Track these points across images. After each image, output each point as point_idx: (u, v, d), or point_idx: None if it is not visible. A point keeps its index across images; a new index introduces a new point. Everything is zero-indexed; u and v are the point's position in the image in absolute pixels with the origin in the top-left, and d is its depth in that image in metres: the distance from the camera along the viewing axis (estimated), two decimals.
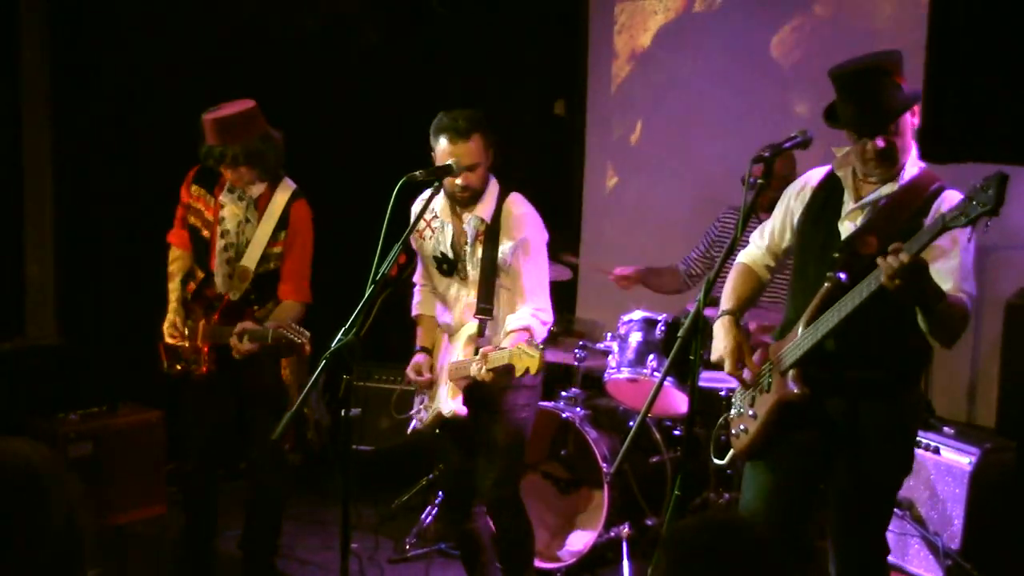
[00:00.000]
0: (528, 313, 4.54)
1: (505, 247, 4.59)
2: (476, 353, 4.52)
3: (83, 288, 6.67)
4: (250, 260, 4.99)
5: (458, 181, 4.51)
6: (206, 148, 4.89)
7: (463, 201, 4.62)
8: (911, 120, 3.72)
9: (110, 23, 6.55)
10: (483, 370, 4.33)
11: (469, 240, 4.63)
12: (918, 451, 4.98)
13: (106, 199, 6.60)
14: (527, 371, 4.23)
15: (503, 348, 4.33)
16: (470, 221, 4.61)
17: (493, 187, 4.68)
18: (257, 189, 5.02)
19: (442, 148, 4.52)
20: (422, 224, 4.74)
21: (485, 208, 4.62)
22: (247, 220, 5.01)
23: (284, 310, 5.00)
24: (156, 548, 5.86)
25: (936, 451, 5.05)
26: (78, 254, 6.67)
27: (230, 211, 5.02)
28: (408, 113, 7.50)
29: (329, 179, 7.43)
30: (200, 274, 5.12)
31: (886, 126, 3.65)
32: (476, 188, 4.58)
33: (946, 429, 5.14)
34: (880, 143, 3.64)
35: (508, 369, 4.28)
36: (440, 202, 4.68)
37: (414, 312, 5.00)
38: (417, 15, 7.63)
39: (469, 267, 4.65)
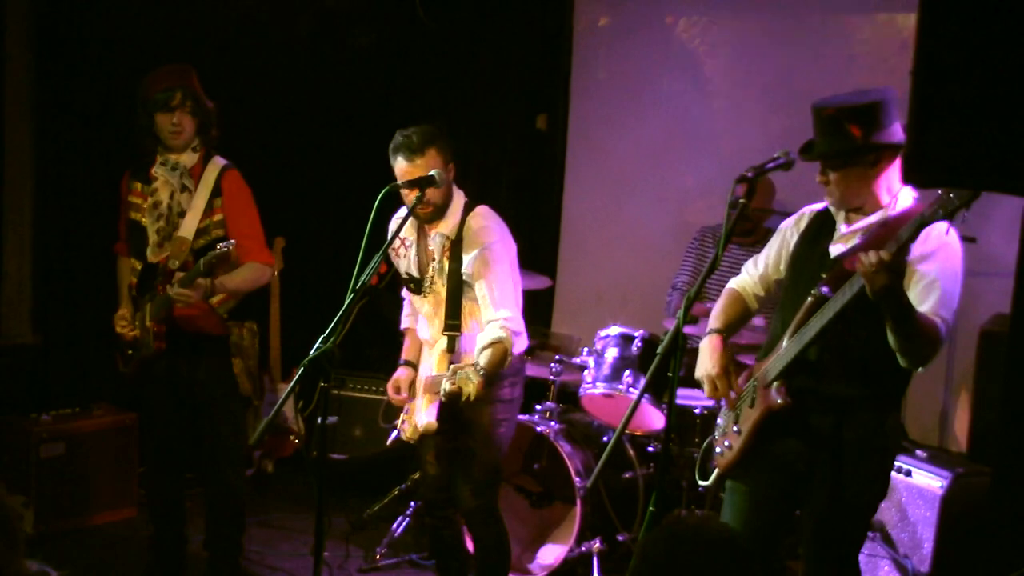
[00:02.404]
0: (497, 327, 4.46)
1: (466, 260, 4.55)
2: (449, 368, 4.54)
3: (60, 288, 6.65)
4: (186, 231, 4.93)
5: (412, 197, 4.43)
6: (151, 99, 4.89)
7: (425, 217, 4.56)
8: (864, 171, 3.72)
9: (95, 24, 6.53)
10: (448, 386, 4.27)
11: (436, 257, 4.60)
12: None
13: (85, 200, 6.58)
14: (468, 397, 4.19)
15: (464, 367, 4.28)
16: (435, 238, 4.58)
17: (458, 201, 4.63)
18: (189, 159, 4.99)
19: (399, 168, 4.47)
20: (397, 243, 4.72)
21: (449, 224, 4.58)
22: (183, 188, 4.96)
23: (243, 270, 4.97)
24: (126, 550, 5.84)
25: (908, 474, 5.08)
26: (56, 254, 6.65)
27: (163, 182, 4.98)
28: (392, 123, 7.52)
29: (311, 185, 7.46)
30: (138, 265, 5.05)
31: (824, 167, 3.74)
32: (437, 203, 4.52)
33: (919, 452, 5.17)
34: (819, 175, 3.76)
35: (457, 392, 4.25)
36: (409, 220, 4.60)
37: (402, 325, 5.00)
38: (404, 26, 7.64)
39: (438, 284, 4.63)
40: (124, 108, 5.14)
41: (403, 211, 4.61)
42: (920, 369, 3.68)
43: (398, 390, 4.76)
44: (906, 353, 3.59)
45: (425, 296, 4.69)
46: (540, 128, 7.95)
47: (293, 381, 3.98)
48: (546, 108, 7.93)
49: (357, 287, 3.97)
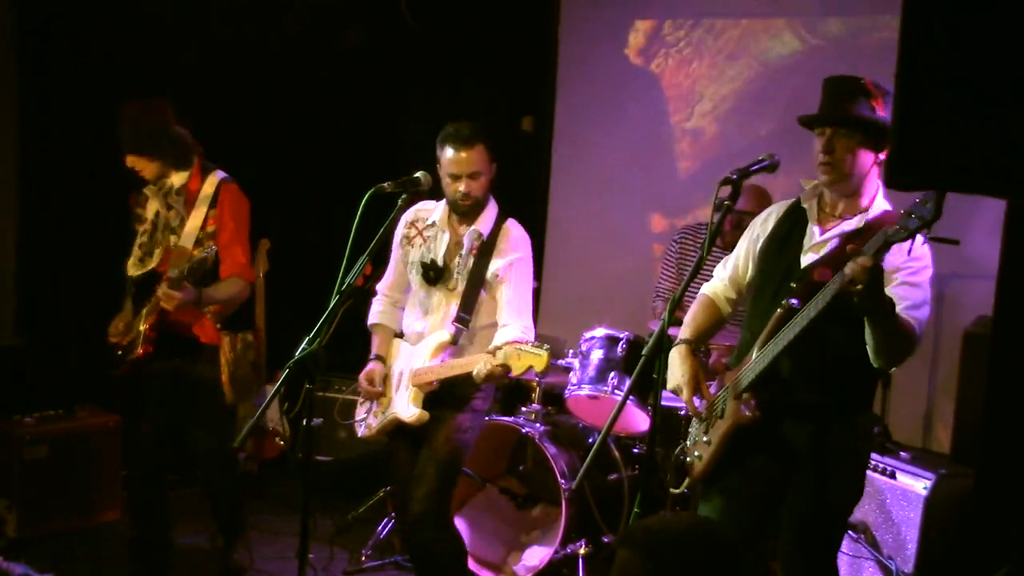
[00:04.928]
0: (519, 329, 4.57)
1: (498, 263, 4.65)
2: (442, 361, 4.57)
3: (44, 290, 6.62)
4: (187, 241, 5.01)
5: (460, 188, 4.58)
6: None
7: (464, 210, 4.67)
8: (872, 155, 3.73)
9: (81, 27, 6.51)
10: (493, 365, 4.27)
11: (464, 252, 4.68)
12: (875, 475, 5.03)
13: (70, 201, 6.56)
14: (530, 369, 4.22)
15: (503, 346, 4.29)
16: (469, 233, 4.67)
17: (493, 205, 4.76)
18: (179, 179, 5.07)
19: (447, 157, 4.61)
20: (413, 232, 4.81)
21: (484, 223, 4.70)
22: (169, 207, 5.05)
23: (225, 285, 5.05)
24: (111, 553, 5.81)
25: (892, 475, 5.09)
26: (40, 256, 6.62)
27: (149, 200, 5.11)
28: (379, 124, 7.53)
29: (297, 186, 7.44)
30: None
31: (835, 119, 3.70)
32: (478, 197, 4.65)
33: (902, 454, 5.18)
34: (825, 145, 3.70)
35: (506, 369, 4.26)
36: (440, 212, 4.75)
37: (372, 320, 4.98)
38: (391, 27, 7.64)
39: (458, 278, 4.68)
40: (110, 108, 5.13)
41: (429, 204, 4.77)
42: (893, 369, 3.69)
43: (372, 382, 4.79)
44: (884, 352, 3.57)
45: (438, 287, 4.73)
46: (526, 130, 7.97)
47: (278, 383, 3.98)
48: (532, 110, 7.94)
49: (343, 289, 3.97)
